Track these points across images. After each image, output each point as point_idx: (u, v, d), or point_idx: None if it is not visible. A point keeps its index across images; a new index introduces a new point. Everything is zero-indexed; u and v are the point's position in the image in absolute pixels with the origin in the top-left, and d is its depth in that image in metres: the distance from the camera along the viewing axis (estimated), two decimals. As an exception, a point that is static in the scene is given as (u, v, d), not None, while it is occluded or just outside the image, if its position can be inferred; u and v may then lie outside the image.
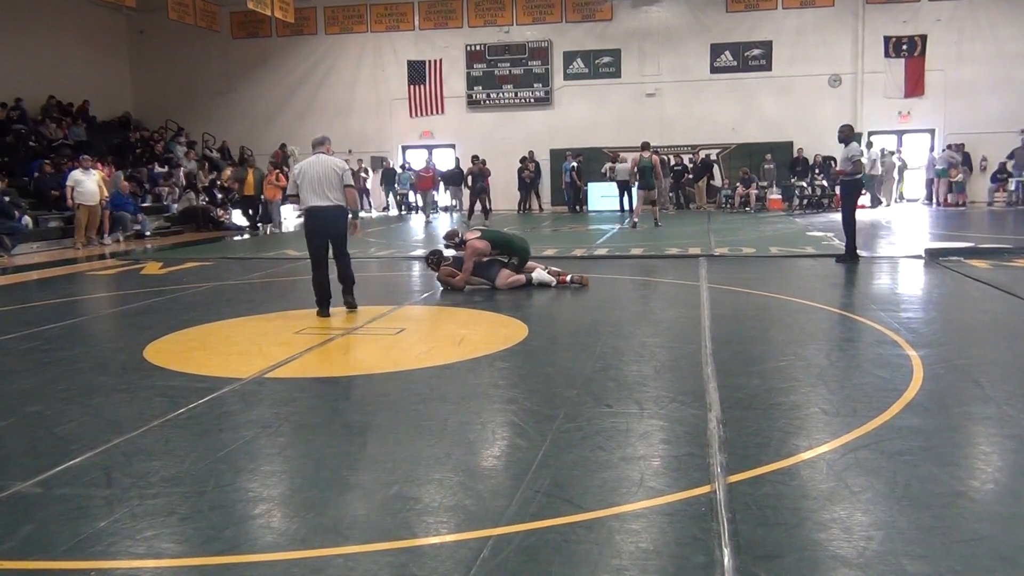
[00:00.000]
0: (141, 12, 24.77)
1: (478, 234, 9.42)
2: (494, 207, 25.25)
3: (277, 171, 19.96)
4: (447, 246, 9.91)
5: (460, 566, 2.82)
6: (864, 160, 10.95)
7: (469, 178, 22.79)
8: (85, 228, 16.62)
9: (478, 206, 22.14)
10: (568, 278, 9.28)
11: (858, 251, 11.18)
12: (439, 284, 9.36)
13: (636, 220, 17.87)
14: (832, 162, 24.14)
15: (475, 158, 22.87)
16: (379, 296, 8.79)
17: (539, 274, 9.33)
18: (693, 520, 3.15)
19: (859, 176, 11.30)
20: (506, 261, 9.27)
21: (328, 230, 7.99)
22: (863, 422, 4.24)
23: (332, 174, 7.80)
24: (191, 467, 3.84)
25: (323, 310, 7.94)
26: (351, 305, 8.09)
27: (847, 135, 11.25)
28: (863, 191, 22.77)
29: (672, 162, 24.53)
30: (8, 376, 5.78)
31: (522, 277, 9.29)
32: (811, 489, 3.44)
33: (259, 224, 19.98)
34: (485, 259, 9.27)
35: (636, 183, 18.38)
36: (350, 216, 8.15)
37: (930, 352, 5.76)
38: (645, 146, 18.37)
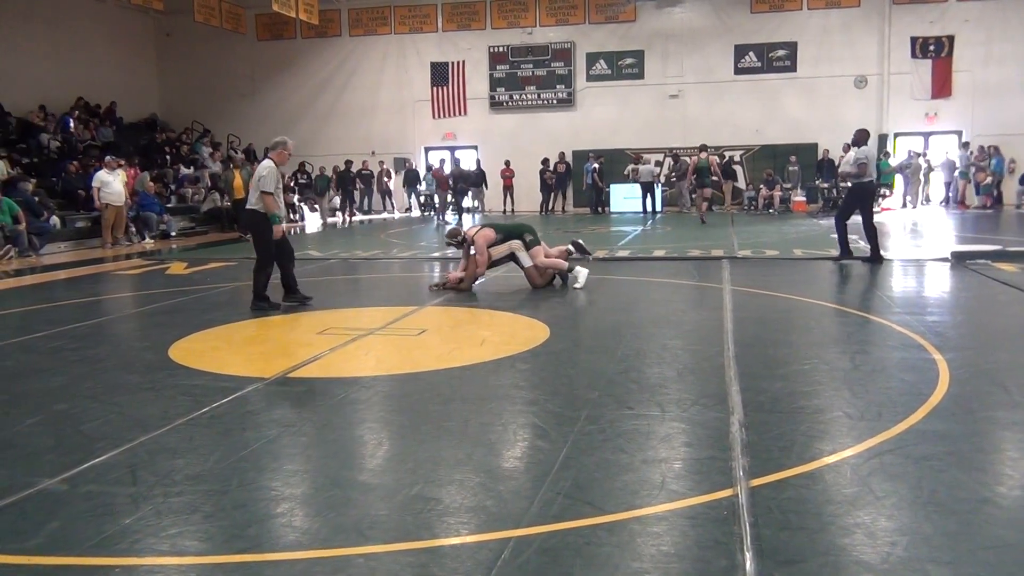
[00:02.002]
0: (168, 15, 25.05)
1: (479, 227, 9.47)
2: (517, 208, 25.32)
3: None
4: (449, 244, 9.95)
5: (481, 567, 2.82)
6: (872, 164, 11.18)
7: (449, 180, 23.08)
8: (112, 228, 16.84)
9: (471, 203, 22.40)
10: (570, 245, 9.59)
11: (882, 253, 11.12)
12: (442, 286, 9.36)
13: (703, 217, 19.52)
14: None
15: (457, 160, 23.00)
16: (401, 297, 8.82)
17: (580, 271, 9.28)
18: (715, 524, 3.14)
19: (868, 180, 11.26)
20: (525, 242, 9.27)
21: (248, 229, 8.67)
22: (888, 426, 4.19)
23: (255, 179, 8.34)
24: (215, 466, 3.87)
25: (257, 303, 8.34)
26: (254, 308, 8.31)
27: (859, 139, 11.31)
28: (884, 193, 22.88)
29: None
30: (36, 374, 5.85)
31: (562, 263, 9.30)
32: (835, 494, 3.41)
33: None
34: (500, 255, 9.28)
35: (693, 183, 20.29)
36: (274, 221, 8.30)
37: (956, 356, 5.69)
38: (703, 148, 20.35)
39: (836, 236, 11.51)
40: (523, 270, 9.28)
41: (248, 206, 8.44)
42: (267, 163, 8.41)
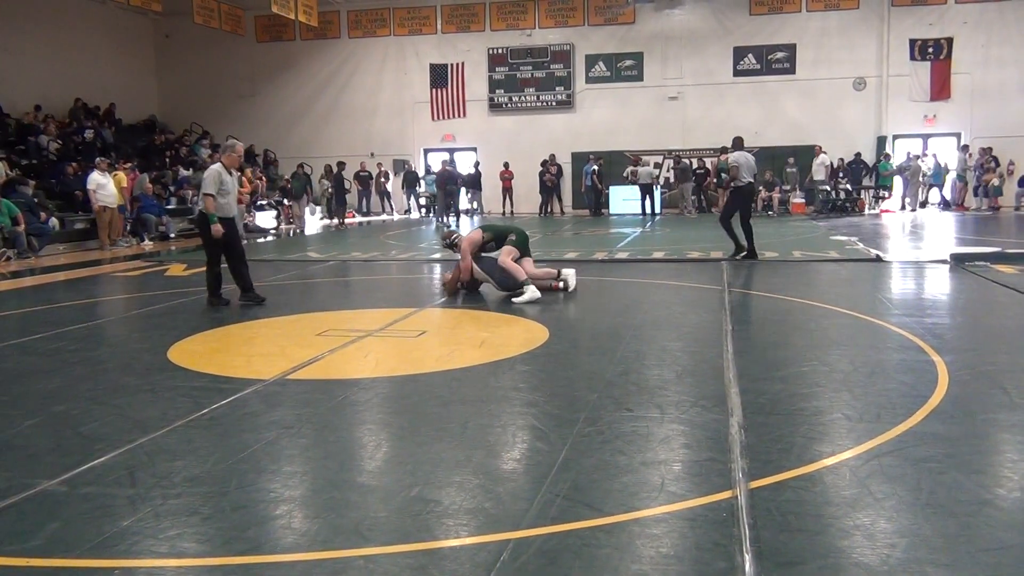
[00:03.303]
0: (167, 16, 25.09)
1: (475, 245, 9.23)
2: (517, 210, 25.32)
3: (248, 172, 17.99)
4: (444, 246, 9.91)
5: (480, 569, 2.82)
6: (743, 168, 11.90)
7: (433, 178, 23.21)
8: (108, 230, 16.85)
9: (469, 204, 22.37)
10: (561, 284, 9.11)
11: (756, 251, 11.96)
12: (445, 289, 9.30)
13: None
14: (853, 165, 24.01)
15: (444, 161, 23.01)
16: (400, 298, 8.82)
17: (567, 273, 9.18)
18: (714, 526, 3.14)
19: (746, 183, 12.01)
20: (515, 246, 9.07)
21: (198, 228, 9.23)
22: (887, 428, 4.19)
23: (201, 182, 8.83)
24: (213, 467, 3.86)
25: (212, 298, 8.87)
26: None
27: (735, 145, 12.25)
28: (884, 195, 22.93)
29: (694, 165, 24.46)
30: (35, 376, 5.85)
31: (551, 272, 9.18)
32: (834, 496, 3.41)
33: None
34: (485, 254, 9.16)
35: (715, 182, 21.57)
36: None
37: (955, 358, 5.69)
38: (725, 150, 21.12)
39: (728, 235, 12.20)
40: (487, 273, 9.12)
41: (199, 208, 9.00)
42: (213, 166, 8.81)
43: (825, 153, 22.91)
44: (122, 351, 6.98)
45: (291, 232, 19.58)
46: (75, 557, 2.98)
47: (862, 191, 23.54)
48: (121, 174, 17.85)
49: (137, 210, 18.15)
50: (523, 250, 9.11)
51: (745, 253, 11.88)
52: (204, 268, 9.04)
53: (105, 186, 16.59)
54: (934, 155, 24.05)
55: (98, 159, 17.72)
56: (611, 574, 2.79)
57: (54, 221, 16.66)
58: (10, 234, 14.76)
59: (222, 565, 2.92)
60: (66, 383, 5.61)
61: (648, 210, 23.15)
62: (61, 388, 5.46)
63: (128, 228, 17.93)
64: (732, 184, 12.08)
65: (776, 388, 5.07)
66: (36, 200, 16.64)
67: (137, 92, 26.48)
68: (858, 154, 24.05)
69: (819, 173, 22.67)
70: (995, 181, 22.78)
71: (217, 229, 8.55)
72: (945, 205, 23.87)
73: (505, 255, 8.90)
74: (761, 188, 23.51)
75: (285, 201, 22.89)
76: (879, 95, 24.32)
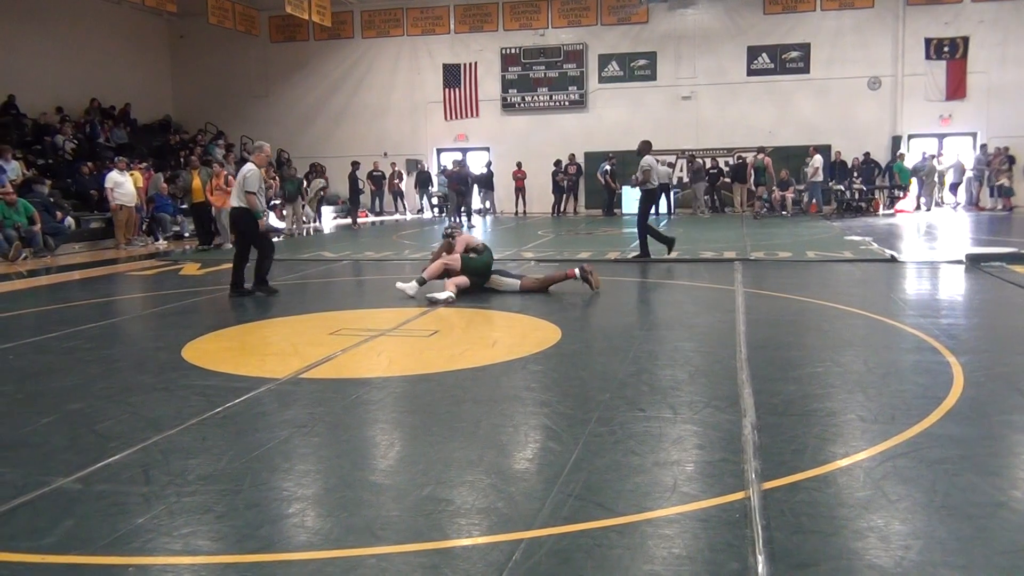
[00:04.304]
0: (182, 17, 25.23)
1: (468, 246, 9.35)
2: (530, 210, 25.30)
3: (226, 173, 16.60)
4: (444, 236, 9.96)
5: (492, 568, 2.82)
6: (654, 172, 12.38)
7: (438, 178, 23.11)
8: (124, 229, 16.96)
9: (482, 204, 22.33)
10: (577, 272, 9.14)
11: (651, 253, 12.24)
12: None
13: (756, 212, 21.94)
14: (864, 165, 23.88)
15: (456, 161, 22.97)
16: (413, 298, 8.81)
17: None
18: (727, 526, 3.13)
19: (653, 186, 12.39)
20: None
21: (233, 226, 9.96)
22: (901, 430, 4.17)
23: (239, 180, 9.30)
24: (227, 465, 3.88)
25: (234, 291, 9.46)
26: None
27: (642, 150, 12.39)
28: (899, 195, 22.80)
29: (707, 165, 24.38)
30: (51, 374, 5.89)
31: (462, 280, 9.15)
32: (847, 497, 3.40)
33: (213, 239, 16.55)
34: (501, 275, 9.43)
35: (751, 181, 22.74)
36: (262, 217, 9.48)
37: (971, 359, 5.65)
38: (761, 149, 22.41)
39: (650, 237, 12.37)
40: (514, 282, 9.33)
41: (234, 205, 9.47)
42: (250, 166, 9.34)
43: (819, 155, 22.74)
44: (136, 350, 7.02)
45: (293, 235, 19.31)
46: (90, 554, 3.00)
47: (876, 191, 23.39)
48: (137, 174, 17.96)
49: (152, 210, 18.26)
50: (477, 276, 9.20)
51: (649, 253, 12.25)
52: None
53: (123, 185, 16.70)
54: (957, 154, 23.88)
55: (116, 158, 17.82)
56: (623, 574, 2.78)
57: (70, 220, 16.77)
58: (27, 233, 14.88)
59: (235, 563, 2.93)
60: (81, 381, 5.65)
61: (664, 209, 23.06)
62: (76, 386, 5.49)
63: (143, 227, 18.04)
64: (643, 187, 12.34)
65: (790, 389, 5.05)
66: (52, 199, 16.77)
67: (152, 92, 26.62)
68: (867, 154, 23.91)
69: (813, 175, 22.52)
70: (1004, 181, 22.62)
71: (263, 223, 9.40)
72: (964, 204, 23.69)
73: (449, 261, 9.12)
74: (775, 188, 23.46)
75: (277, 203, 21.62)
76: (894, 94, 24.16)
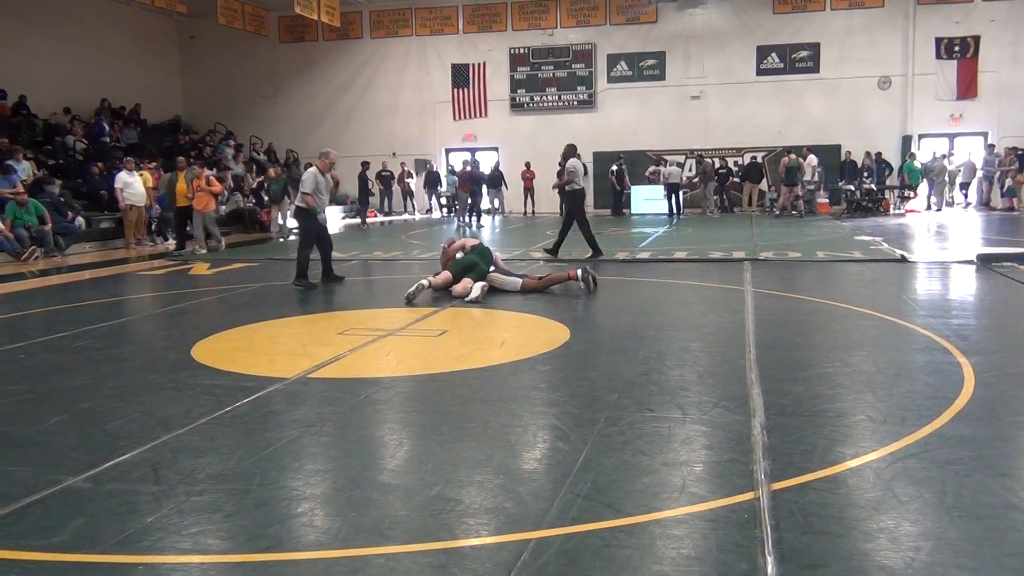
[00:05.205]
0: (191, 17, 25.31)
1: (464, 247, 9.43)
2: (538, 210, 25.30)
3: (207, 174, 16.11)
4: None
5: (500, 568, 2.82)
6: (578, 174, 12.69)
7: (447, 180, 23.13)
8: (134, 228, 17.03)
9: (490, 204, 22.34)
10: (578, 273, 9.15)
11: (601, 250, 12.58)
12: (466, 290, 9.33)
13: (778, 211, 22.09)
14: (880, 165, 23.80)
15: (466, 161, 22.99)
16: (421, 298, 8.82)
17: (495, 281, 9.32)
18: (736, 527, 3.12)
19: (579, 188, 12.71)
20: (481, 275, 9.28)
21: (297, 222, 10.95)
22: (912, 430, 4.15)
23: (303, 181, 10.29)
24: (236, 465, 3.89)
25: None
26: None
27: (568, 153, 12.86)
28: (909, 195, 22.70)
29: (716, 165, 24.33)
30: (61, 373, 5.92)
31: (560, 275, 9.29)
32: (857, 498, 3.38)
33: (187, 244, 15.72)
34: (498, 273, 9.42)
35: (782, 180, 22.34)
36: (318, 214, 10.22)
37: (982, 359, 5.62)
38: (791, 149, 22.43)
39: (586, 241, 12.58)
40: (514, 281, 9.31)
41: (297, 203, 10.51)
42: (311, 169, 10.41)
43: (813, 155, 22.60)
44: (146, 349, 7.04)
45: (279, 239, 18.43)
46: (99, 553, 3.01)
47: (886, 191, 23.29)
48: (146, 174, 18.02)
49: (161, 210, 18.30)
50: (463, 274, 9.19)
51: (591, 253, 12.51)
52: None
53: (132, 185, 16.76)
54: (969, 153, 23.76)
55: (125, 158, 17.89)
56: (631, 574, 2.78)
57: (80, 220, 16.84)
58: (37, 233, 14.96)
59: (244, 562, 2.93)
60: (91, 380, 5.67)
61: (675, 210, 23.04)
62: (86, 385, 5.52)
63: (153, 227, 18.11)
64: (567, 188, 12.61)
65: (799, 389, 5.04)
66: (63, 199, 16.85)
67: (162, 93, 26.73)
68: (879, 154, 23.81)
69: (807, 174, 22.40)
70: (1008, 182, 22.49)
71: (322, 218, 10.27)
72: (975, 204, 23.56)
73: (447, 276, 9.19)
74: (782, 187, 23.39)
75: (263, 205, 21.03)
76: (904, 94, 24.08)
